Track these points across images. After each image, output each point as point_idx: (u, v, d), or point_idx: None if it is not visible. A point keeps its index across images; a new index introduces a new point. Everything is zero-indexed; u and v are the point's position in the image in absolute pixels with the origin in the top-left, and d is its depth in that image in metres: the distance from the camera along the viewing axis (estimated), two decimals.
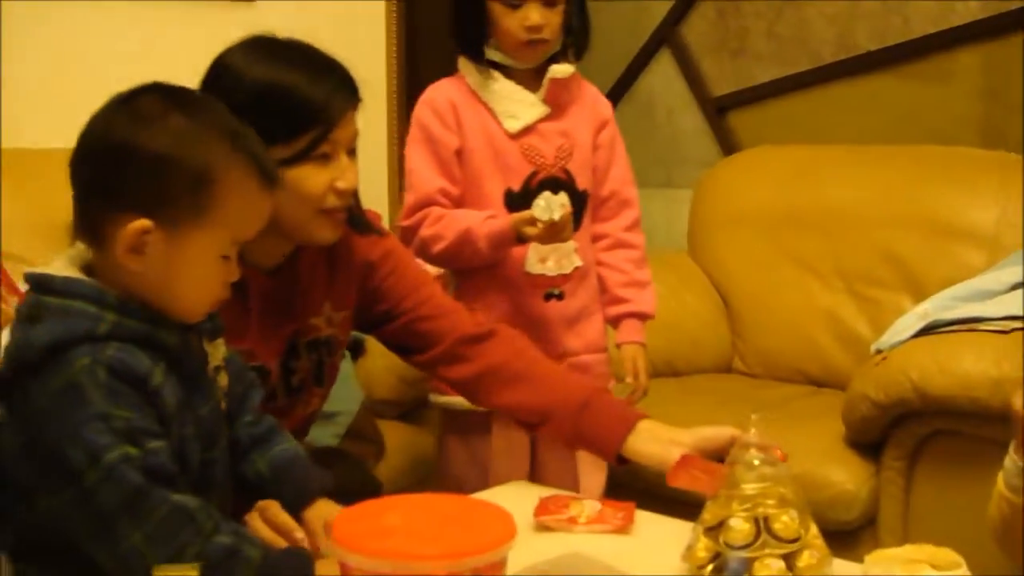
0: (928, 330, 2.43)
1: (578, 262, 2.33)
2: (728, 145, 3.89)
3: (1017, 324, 2.35)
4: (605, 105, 2.45)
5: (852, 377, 2.57)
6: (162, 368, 1.38)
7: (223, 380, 1.54)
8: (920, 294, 2.82)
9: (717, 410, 2.63)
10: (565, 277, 2.33)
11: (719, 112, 3.96)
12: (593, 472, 2.34)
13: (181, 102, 1.43)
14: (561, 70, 2.31)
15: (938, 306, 2.54)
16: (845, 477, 2.46)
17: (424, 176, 2.30)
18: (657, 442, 1.76)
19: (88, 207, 1.40)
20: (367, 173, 3.50)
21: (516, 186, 2.29)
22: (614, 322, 2.42)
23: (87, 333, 1.33)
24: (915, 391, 2.31)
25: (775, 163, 3.39)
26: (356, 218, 1.86)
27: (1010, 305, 2.42)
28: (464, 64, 2.33)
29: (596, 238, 2.42)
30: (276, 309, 1.81)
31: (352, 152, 1.77)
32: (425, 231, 2.27)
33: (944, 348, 2.34)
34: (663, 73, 4.05)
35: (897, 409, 2.36)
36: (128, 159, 1.37)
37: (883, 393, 2.36)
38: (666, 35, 4.03)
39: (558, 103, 2.33)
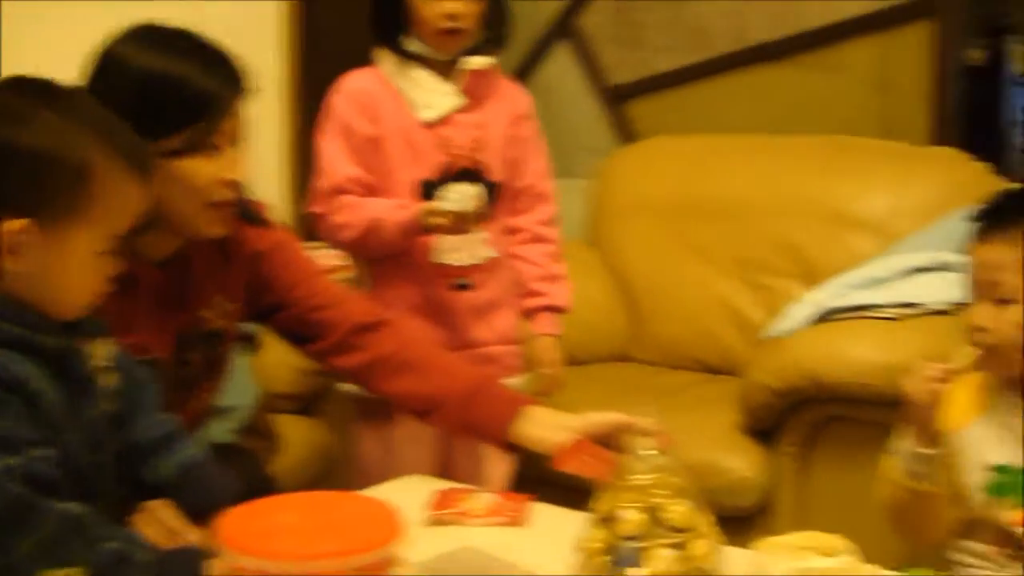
0: (821, 318, 2.46)
1: (489, 253, 2.34)
2: (626, 134, 3.90)
3: (907, 311, 2.39)
4: (524, 99, 2.46)
5: (748, 364, 2.59)
6: (43, 372, 1.35)
7: (111, 380, 1.50)
8: (814, 282, 2.85)
9: (614, 398, 2.64)
10: (475, 267, 2.33)
11: (617, 101, 3.97)
12: (498, 462, 2.33)
13: (49, 97, 1.40)
14: (477, 62, 2.31)
15: (831, 294, 2.57)
16: (741, 464, 2.48)
17: (336, 164, 2.31)
18: (545, 427, 1.77)
19: None
20: (261, 163, 3.49)
21: (429, 176, 2.29)
22: (529, 315, 2.44)
23: None
24: (809, 378, 2.34)
25: (673, 152, 3.41)
26: (246, 209, 1.84)
27: (900, 292, 2.46)
28: (381, 54, 2.33)
29: (512, 231, 2.43)
30: (167, 302, 1.78)
31: (239, 144, 1.74)
32: (336, 218, 2.30)
33: (836, 336, 2.38)
34: (561, 63, 4.04)
35: (791, 396, 2.39)
36: (2, 159, 1.34)
37: (778, 380, 2.39)
38: (565, 25, 4.03)
39: (475, 95, 2.33)
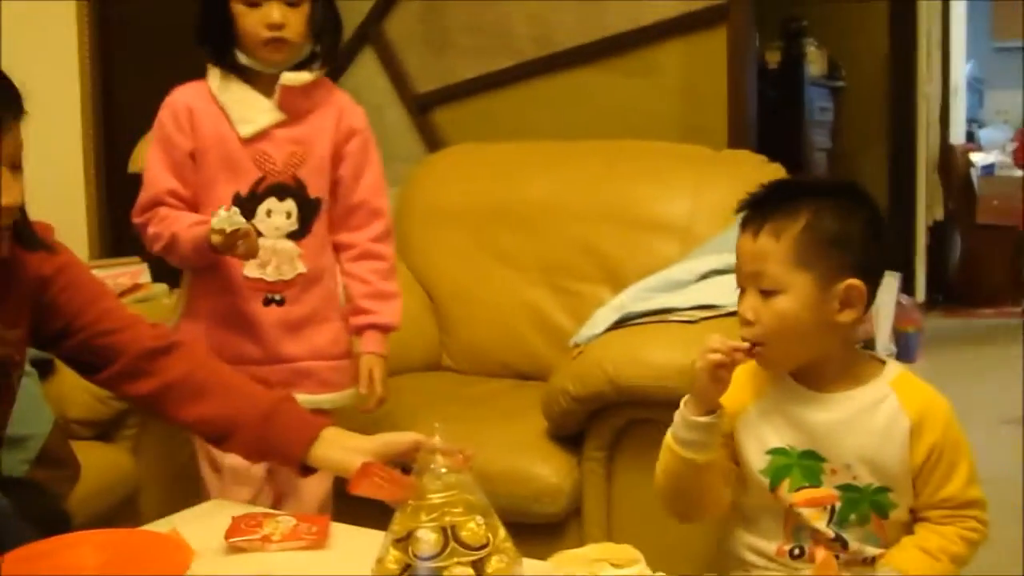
0: (622, 322, 2.50)
1: (300, 268, 2.33)
2: (432, 142, 3.91)
3: (705, 313, 2.44)
4: (355, 114, 2.43)
5: (553, 369, 2.62)
6: None
7: None
8: (619, 285, 2.89)
9: (424, 409, 2.65)
10: (285, 283, 2.32)
11: (423, 109, 3.98)
12: (314, 481, 2.30)
13: None
14: (292, 77, 2.29)
15: (632, 298, 2.61)
16: (549, 471, 2.50)
17: (156, 176, 2.32)
18: (341, 449, 1.77)
19: None
20: (58, 179, 3.40)
21: (244, 190, 2.29)
22: (357, 332, 2.43)
23: None
24: (609, 383, 2.37)
25: (477, 160, 3.42)
26: (24, 233, 1.78)
27: (699, 295, 2.51)
28: (210, 68, 2.34)
29: (343, 248, 2.42)
30: None
31: (16, 167, 1.70)
32: (150, 229, 2.31)
33: (635, 340, 2.41)
34: (367, 70, 4.04)
35: (594, 402, 2.42)
36: None
37: (580, 386, 2.41)
38: (369, 31, 4.02)
39: (295, 110, 2.32)
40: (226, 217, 2.12)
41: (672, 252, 2.97)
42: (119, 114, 3.68)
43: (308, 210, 2.33)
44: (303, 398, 2.13)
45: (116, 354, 1.87)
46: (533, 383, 2.97)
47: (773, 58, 6.03)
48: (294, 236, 2.32)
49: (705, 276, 2.63)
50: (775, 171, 3.08)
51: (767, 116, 3.93)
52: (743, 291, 1.71)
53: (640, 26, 3.66)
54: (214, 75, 2.33)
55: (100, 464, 2.52)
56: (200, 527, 1.64)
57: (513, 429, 2.61)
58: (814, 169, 6.02)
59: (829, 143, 6.41)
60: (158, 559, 1.25)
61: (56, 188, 3.44)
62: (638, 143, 3.36)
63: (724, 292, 2.48)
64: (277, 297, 2.32)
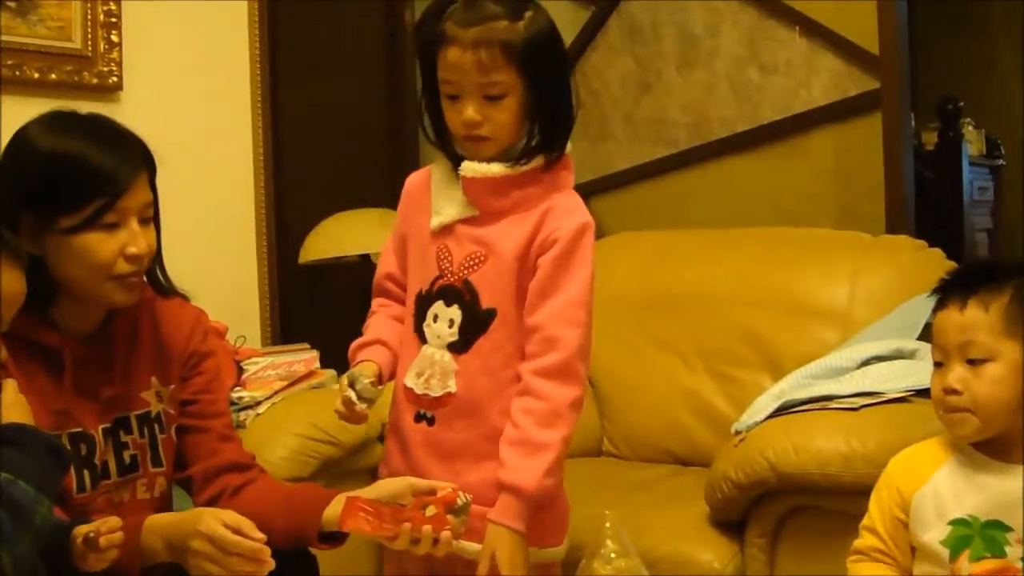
0: (783, 409, 2.51)
1: (451, 387, 2.03)
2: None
3: (866, 400, 2.44)
4: (566, 220, 2.04)
5: (714, 455, 2.64)
6: None
7: None
8: (778, 371, 2.91)
9: (586, 494, 2.67)
10: (433, 400, 2.05)
11: (582, 199, 4.05)
12: None
13: None
14: (471, 168, 2.02)
15: (793, 385, 2.62)
16: (711, 556, 2.51)
17: (382, 259, 2.22)
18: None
19: None
20: (232, 267, 3.55)
21: (424, 288, 2.08)
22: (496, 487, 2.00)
23: None
24: (772, 470, 2.38)
25: (636, 248, 3.48)
26: (157, 282, 1.95)
27: (859, 382, 2.51)
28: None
29: (518, 377, 2.03)
30: (92, 374, 1.87)
31: (147, 220, 1.85)
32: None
33: (797, 427, 2.42)
34: None
35: (756, 488, 2.43)
36: None
37: (742, 473, 2.43)
38: None
39: (487, 206, 2.03)
40: (349, 384, 1.99)
41: (831, 338, 2.97)
42: (293, 205, 3.85)
43: (474, 322, 2.03)
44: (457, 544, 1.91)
45: (195, 459, 1.99)
46: (693, 469, 3.00)
47: (930, 139, 5.98)
48: (453, 349, 2.04)
49: (866, 363, 2.63)
50: (934, 256, 3.08)
51: (925, 198, 3.91)
52: (942, 365, 1.77)
53: (793, 113, 3.69)
54: (438, 159, 2.13)
55: None
56: None
57: (675, 514, 2.63)
58: (975, 250, 5.93)
59: (990, 223, 6.31)
60: None
61: (230, 277, 3.62)
62: (795, 230, 3.38)
63: (886, 379, 2.49)
64: (427, 414, 2.06)
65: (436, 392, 2.03)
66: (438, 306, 2.05)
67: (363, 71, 4.22)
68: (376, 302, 2.20)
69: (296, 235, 3.77)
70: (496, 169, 2.01)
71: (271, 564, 1.70)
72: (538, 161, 2.02)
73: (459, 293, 2.03)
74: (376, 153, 4.18)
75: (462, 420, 2.03)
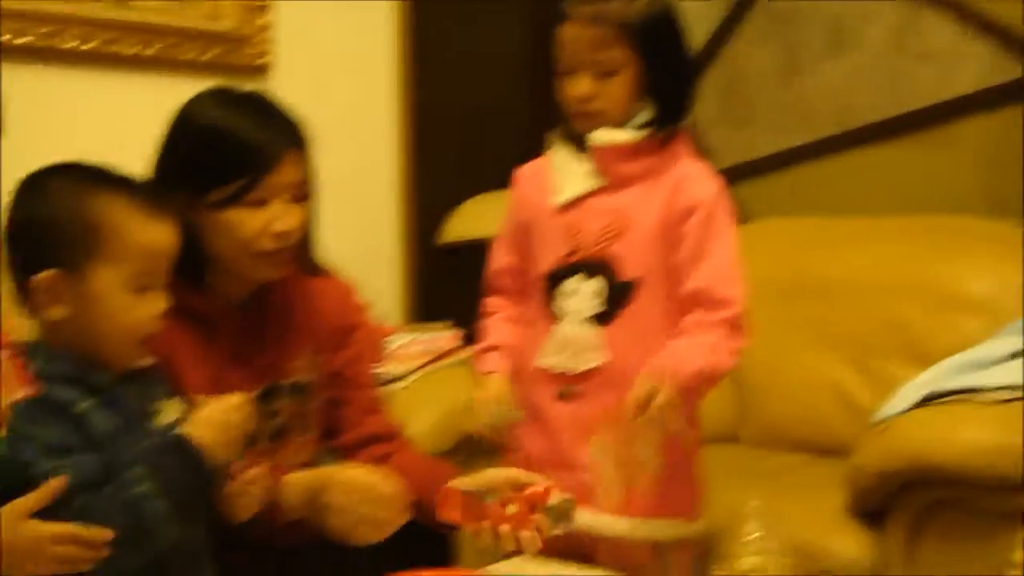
0: (927, 400, 2.47)
1: (599, 360, 2.03)
2: (736, 216, 3.94)
3: (1014, 393, 2.39)
4: (701, 186, 2.07)
5: (855, 446, 2.60)
6: (93, 402, 1.53)
7: None
8: (923, 363, 2.84)
9: (721, 481, 2.67)
10: (580, 376, 2.04)
11: (726, 184, 4.02)
12: None
13: (61, 169, 1.62)
14: (603, 136, 2.04)
15: (938, 376, 2.58)
16: (849, 546, 2.48)
17: (495, 252, 2.22)
18: None
19: (17, 281, 1.59)
20: (373, 245, 3.61)
21: (554, 266, 2.08)
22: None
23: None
24: (915, 461, 2.34)
25: (783, 234, 3.46)
26: (305, 260, 1.97)
27: (1007, 374, 2.46)
28: (549, 135, 2.17)
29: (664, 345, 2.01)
30: (247, 342, 1.92)
31: (297, 198, 1.86)
32: (481, 323, 2.23)
33: (943, 418, 2.38)
34: None
35: (898, 479, 2.39)
36: (26, 229, 1.57)
37: (884, 464, 2.39)
38: None
39: (617, 175, 2.04)
40: (495, 412, 2.00)
41: (978, 329, 2.90)
42: (433, 184, 3.90)
43: (617, 293, 2.02)
44: (590, 517, 1.99)
45: (340, 430, 2.03)
46: (831, 459, 2.96)
47: None
48: (596, 322, 2.04)
49: (1015, 355, 2.57)
50: None
51: None
52: None
53: (942, 100, 3.61)
54: (551, 142, 2.15)
55: None
56: None
57: (811, 504, 2.60)
58: None
59: None
60: None
61: (371, 256, 3.68)
62: (943, 218, 3.32)
63: None
64: (571, 391, 2.06)
65: (582, 367, 2.03)
66: (575, 281, 2.04)
67: (508, 53, 4.24)
68: (490, 303, 2.22)
69: (437, 216, 3.81)
70: (626, 136, 2.03)
71: (405, 514, 1.74)
72: (658, 134, 2.05)
73: (598, 266, 2.03)
74: (518, 135, 4.18)
75: (610, 393, 1.99)
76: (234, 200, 1.81)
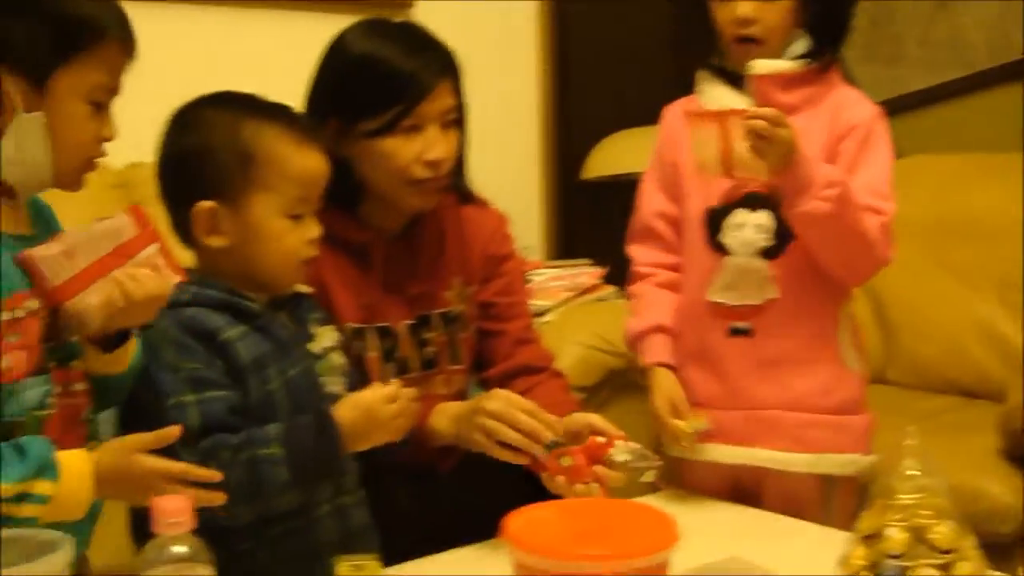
0: None
1: (772, 293, 1.97)
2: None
3: None
4: (859, 109, 2.02)
5: (1006, 388, 2.55)
6: (241, 328, 1.56)
7: (337, 360, 1.70)
8: None
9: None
10: (753, 310, 1.98)
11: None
12: None
13: (213, 100, 1.63)
14: (762, 65, 1.98)
15: None
16: (1001, 489, 2.45)
17: (645, 198, 2.14)
18: None
19: (173, 212, 1.61)
20: (514, 182, 3.62)
21: (715, 202, 2.01)
22: None
23: (170, 302, 1.51)
24: None
25: (930, 171, 3.37)
26: (461, 188, 1.98)
27: None
28: (698, 73, 2.09)
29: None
30: (399, 271, 1.94)
31: (449, 124, 1.86)
32: (628, 287, 2.17)
33: None
34: None
35: None
36: (182, 161, 1.60)
37: None
38: None
39: (776, 103, 1.94)
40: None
41: None
42: (576, 119, 3.89)
43: (786, 226, 1.95)
44: (766, 454, 1.98)
45: (491, 360, 2.04)
46: (982, 401, 2.91)
47: None
48: (768, 254, 1.97)
49: None
50: None
51: None
52: None
53: None
54: (701, 79, 2.08)
55: None
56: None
57: (962, 446, 2.56)
58: None
59: None
60: (650, 527, 1.35)
61: (513, 191, 3.68)
62: None
63: None
64: (743, 327, 1.99)
65: (755, 300, 1.97)
66: (740, 214, 1.98)
67: None
68: (640, 257, 2.13)
69: (579, 152, 3.80)
70: (786, 65, 1.98)
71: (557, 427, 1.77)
72: (815, 63, 1.99)
73: (763, 198, 1.96)
74: (662, 71, 4.15)
75: (785, 326, 1.97)
76: (388, 128, 1.82)
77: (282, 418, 1.56)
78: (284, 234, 1.59)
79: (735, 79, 2.02)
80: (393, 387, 1.59)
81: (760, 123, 1.79)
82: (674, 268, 2.09)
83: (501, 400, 1.79)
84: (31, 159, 1.41)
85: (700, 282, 2.02)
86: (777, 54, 2.00)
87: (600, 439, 1.74)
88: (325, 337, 1.69)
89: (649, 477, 1.69)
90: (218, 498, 1.39)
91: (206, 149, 1.58)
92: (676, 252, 2.09)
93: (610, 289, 3.11)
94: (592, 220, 4.02)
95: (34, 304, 1.41)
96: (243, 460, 1.49)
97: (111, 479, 1.37)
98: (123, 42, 1.47)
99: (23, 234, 1.46)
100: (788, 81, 1.99)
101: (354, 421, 1.55)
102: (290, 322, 1.65)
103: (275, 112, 1.62)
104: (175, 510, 1.15)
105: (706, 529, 1.74)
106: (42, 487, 1.33)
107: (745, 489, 2.05)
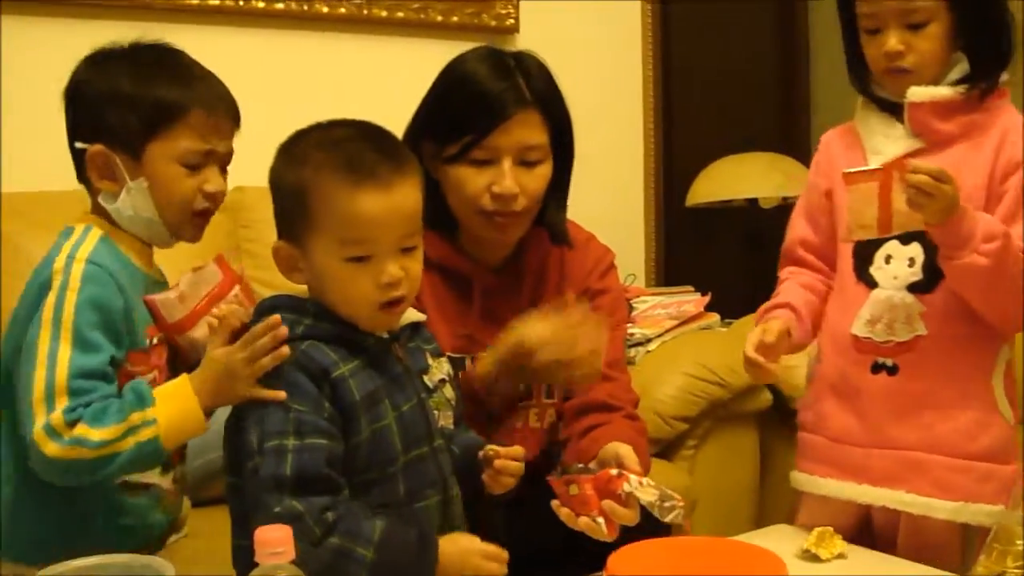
0: None
1: (920, 330, 1.89)
2: None
3: None
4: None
5: None
6: (354, 364, 1.49)
7: (449, 393, 1.67)
8: None
9: None
10: (899, 346, 1.91)
11: None
12: None
13: (307, 131, 1.56)
14: (918, 92, 1.90)
15: None
16: None
17: (792, 223, 2.11)
18: None
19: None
20: (619, 208, 3.60)
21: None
22: None
23: (287, 337, 1.49)
24: None
25: None
26: (553, 227, 1.94)
27: None
28: (859, 99, 2.03)
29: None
30: (499, 304, 1.90)
31: (529, 163, 1.82)
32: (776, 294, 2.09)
33: None
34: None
35: None
36: (271, 192, 1.55)
37: None
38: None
39: (933, 135, 1.90)
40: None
41: None
42: (681, 145, 3.86)
43: (935, 257, 1.86)
44: (909, 498, 1.89)
45: (573, 392, 1.95)
46: None
47: None
48: (916, 289, 1.90)
49: None
50: None
51: None
52: None
53: None
54: (858, 106, 2.02)
55: (658, 480, 2.62)
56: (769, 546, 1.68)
57: None
58: None
59: None
60: (757, 566, 1.32)
61: (617, 217, 3.67)
62: None
63: None
64: (888, 363, 1.92)
65: (902, 337, 1.89)
66: (891, 246, 1.91)
67: (755, 20, 4.16)
68: (785, 271, 2.10)
69: (684, 178, 3.77)
70: (945, 91, 1.89)
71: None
72: (975, 89, 1.89)
73: (916, 232, 1.85)
74: (765, 98, 4.12)
75: (931, 365, 1.89)
76: (462, 155, 1.81)
77: (392, 449, 1.51)
78: (348, 279, 1.49)
79: (892, 108, 1.95)
80: (494, 550, 1.49)
81: (923, 178, 1.71)
82: (819, 282, 2.05)
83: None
84: (144, 217, 1.69)
85: (846, 314, 1.96)
86: (934, 81, 1.91)
87: (613, 471, 1.60)
88: (439, 369, 1.66)
89: (676, 519, 1.56)
90: (279, 394, 1.45)
91: (277, 186, 1.54)
92: (821, 275, 2.05)
93: (714, 317, 3.07)
94: (697, 247, 3.99)
95: (160, 335, 1.71)
96: (332, 545, 1.42)
97: (207, 382, 1.55)
98: (209, 112, 1.68)
99: (157, 279, 1.77)
100: (946, 109, 1.90)
101: (451, 565, 1.48)
102: (403, 353, 1.60)
103: (343, 146, 1.51)
104: (277, 540, 1.17)
105: (818, 569, 1.71)
106: (144, 415, 1.55)
107: (872, 528, 1.98)
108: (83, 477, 1.56)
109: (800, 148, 3.93)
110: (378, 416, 1.50)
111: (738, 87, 4.02)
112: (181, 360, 1.73)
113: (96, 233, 1.68)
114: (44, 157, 1.97)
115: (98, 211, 1.72)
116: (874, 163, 1.88)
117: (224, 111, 1.71)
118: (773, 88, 4.14)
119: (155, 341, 1.70)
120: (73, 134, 1.71)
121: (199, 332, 1.71)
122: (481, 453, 1.60)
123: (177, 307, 1.72)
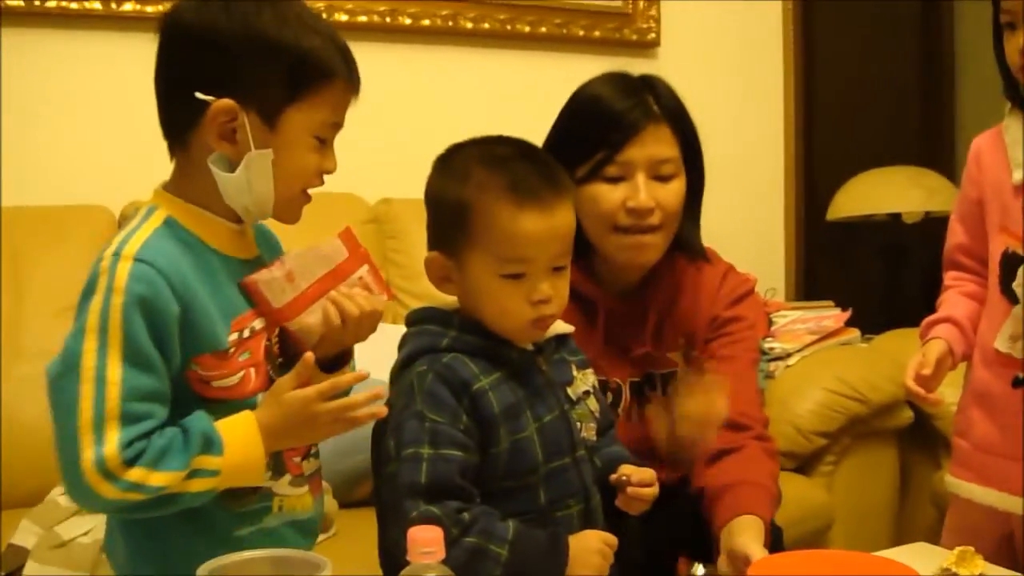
0: None
1: None
2: None
3: None
4: None
5: None
6: (496, 376, 1.51)
7: (593, 405, 1.66)
8: None
9: None
10: None
11: None
12: None
13: (467, 145, 1.58)
14: None
15: None
16: None
17: (950, 229, 2.07)
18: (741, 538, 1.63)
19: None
20: (759, 223, 3.59)
21: (1018, 247, 1.89)
22: None
23: (430, 347, 1.52)
24: None
25: None
26: (687, 245, 1.90)
27: None
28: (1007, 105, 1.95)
29: None
30: (623, 331, 1.89)
31: (664, 177, 1.80)
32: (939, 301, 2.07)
33: None
34: None
35: None
36: (427, 204, 1.57)
37: None
38: None
39: None
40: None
41: None
42: (821, 159, 3.83)
43: None
44: None
45: None
46: None
47: None
48: None
49: None
50: None
51: None
52: None
53: None
54: (1007, 112, 1.94)
55: (796, 495, 2.63)
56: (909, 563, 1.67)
57: None
58: None
59: None
60: None
61: (757, 231, 3.67)
62: None
63: None
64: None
65: None
66: None
67: (897, 32, 4.11)
68: (949, 276, 2.07)
69: (824, 192, 3.75)
70: None
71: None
72: None
73: None
74: (907, 111, 4.07)
75: None
76: (595, 173, 1.79)
77: (532, 460, 1.54)
78: (501, 294, 1.51)
79: None
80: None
81: None
82: (981, 285, 2.01)
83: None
84: (257, 191, 1.46)
85: (991, 326, 1.93)
86: None
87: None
88: (583, 381, 1.67)
89: None
90: (380, 412, 1.46)
91: (435, 200, 1.57)
92: (981, 282, 2.01)
93: (854, 333, 3.04)
94: (837, 261, 3.95)
95: (258, 324, 1.50)
96: (469, 545, 1.45)
97: (277, 427, 1.43)
98: (349, 81, 1.49)
99: (247, 258, 1.54)
100: None
101: (582, 564, 1.50)
102: (548, 365, 1.62)
103: (508, 166, 1.53)
104: (428, 540, 1.19)
105: None
106: (208, 462, 1.39)
107: (1013, 543, 1.95)
108: (129, 515, 1.45)
109: (944, 161, 3.89)
110: (519, 427, 1.52)
111: (880, 100, 3.97)
112: (294, 350, 1.52)
113: (159, 216, 1.46)
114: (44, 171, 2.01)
115: (176, 182, 1.49)
116: (1017, 175, 1.85)
117: (357, 82, 1.52)
118: (916, 100, 4.08)
119: (255, 328, 1.48)
120: (176, 80, 1.45)
121: (313, 318, 1.52)
122: (614, 477, 1.59)
123: (285, 288, 1.50)
